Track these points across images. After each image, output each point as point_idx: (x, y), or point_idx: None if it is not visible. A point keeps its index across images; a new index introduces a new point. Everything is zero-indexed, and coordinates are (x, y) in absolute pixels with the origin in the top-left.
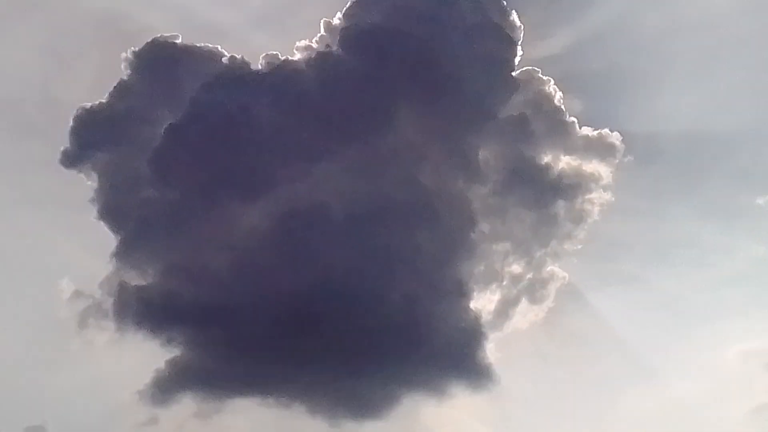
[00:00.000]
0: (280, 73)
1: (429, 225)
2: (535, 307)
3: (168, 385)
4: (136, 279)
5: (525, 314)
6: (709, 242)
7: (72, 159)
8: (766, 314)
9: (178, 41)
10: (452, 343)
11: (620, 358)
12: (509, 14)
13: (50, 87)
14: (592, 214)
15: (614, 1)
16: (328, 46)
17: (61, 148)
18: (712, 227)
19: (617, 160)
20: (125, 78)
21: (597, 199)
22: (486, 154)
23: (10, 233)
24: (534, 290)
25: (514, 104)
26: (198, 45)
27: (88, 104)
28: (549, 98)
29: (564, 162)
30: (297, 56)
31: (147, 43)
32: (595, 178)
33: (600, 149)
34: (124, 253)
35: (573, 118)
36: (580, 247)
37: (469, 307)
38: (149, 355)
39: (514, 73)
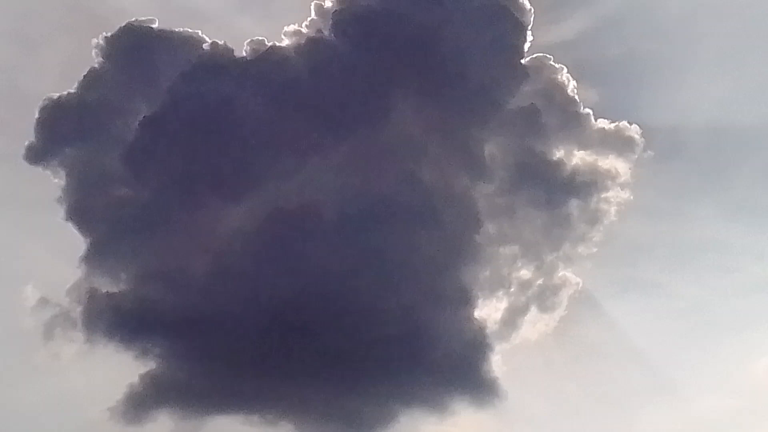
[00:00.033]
0: (266, 60)
1: (429, 226)
2: (546, 316)
3: (142, 402)
4: (107, 285)
5: (534, 324)
6: (737, 245)
7: (37, 154)
8: None
9: (155, 26)
10: (454, 356)
11: (639, 371)
12: None
13: (14, 76)
14: (608, 214)
15: None
16: (319, 31)
17: (26, 143)
18: (740, 229)
19: (636, 156)
20: (96, 66)
21: (614, 198)
22: (492, 148)
23: None
24: (544, 297)
25: (523, 94)
26: (176, 30)
27: (56, 95)
28: (561, 88)
29: (578, 157)
30: (285, 42)
31: (120, 27)
32: (611, 176)
33: (617, 144)
34: (94, 257)
35: (588, 110)
36: (595, 250)
37: (473, 316)
38: (122, 368)
39: (523, 61)
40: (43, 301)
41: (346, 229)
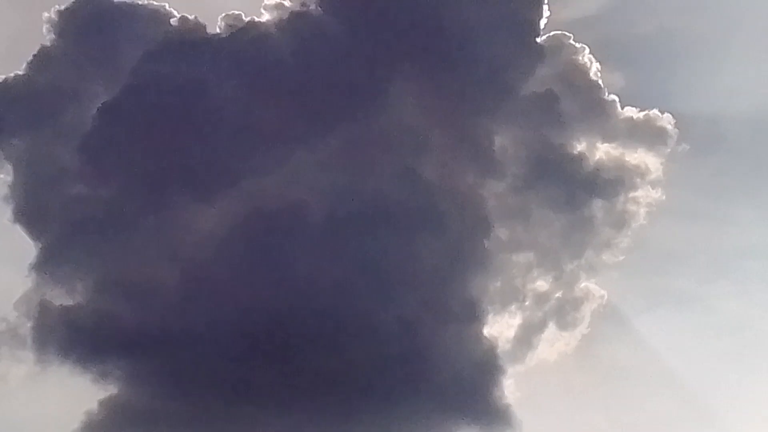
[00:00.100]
0: (243, 38)
1: (432, 230)
2: (566, 333)
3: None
4: (61, 297)
5: (553, 343)
6: None
7: None
8: None
9: None
10: (461, 379)
11: (673, 397)
12: None
13: None
14: (637, 216)
15: None
16: (304, 4)
17: None
18: None
19: (669, 149)
20: (47, 44)
21: (643, 198)
22: (503, 141)
23: None
24: (564, 313)
25: (539, 78)
26: (140, 2)
27: (1, 77)
28: (583, 71)
29: (602, 151)
30: (265, 17)
31: None
32: (641, 172)
33: (647, 135)
34: (46, 264)
35: (613, 96)
36: (622, 258)
37: (482, 333)
38: (78, 393)
39: (539, 39)
40: None
41: (336, 234)
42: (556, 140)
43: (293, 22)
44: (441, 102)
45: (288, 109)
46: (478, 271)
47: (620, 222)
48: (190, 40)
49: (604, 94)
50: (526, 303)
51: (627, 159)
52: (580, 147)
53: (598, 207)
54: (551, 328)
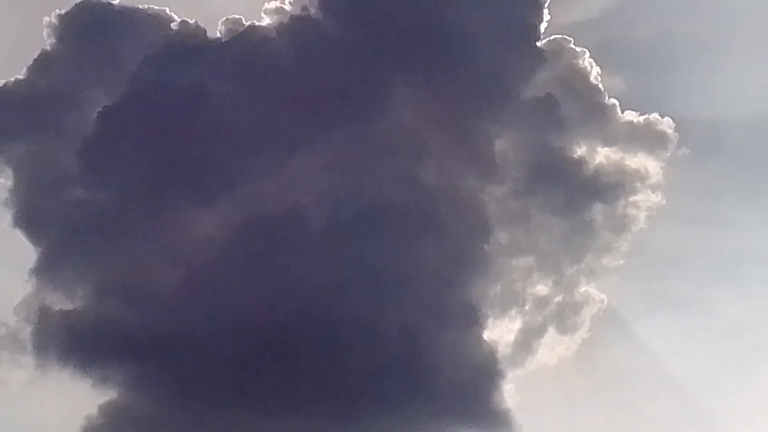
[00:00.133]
0: (243, 42)
1: (432, 234)
2: (566, 338)
3: None
4: (61, 302)
5: (553, 347)
6: None
7: None
8: None
9: (116, 2)
10: (461, 384)
11: (674, 402)
12: None
13: None
14: (637, 220)
15: None
16: (304, 8)
17: None
18: None
19: (669, 153)
20: (48, 48)
21: (643, 202)
22: (504, 145)
23: None
24: (564, 317)
25: (539, 82)
26: (140, 7)
27: (1, 81)
28: (583, 74)
29: (602, 155)
30: (265, 21)
31: (76, 3)
32: (641, 176)
33: (647, 139)
34: (46, 269)
35: (613, 100)
36: (622, 262)
37: (482, 338)
38: (78, 398)
39: (539, 43)
40: None
41: (336, 238)
42: (557, 144)
43: (293, 26)
44: (441, 105)
45: (288, 112)
46: (478, 275)
47: (620, 226)
48: (190, 45)
49: (605, 98)
50: (526, 307)
51: (627, 163)
52: (580, 151)
53: (598, 211)
54: (551, 333)
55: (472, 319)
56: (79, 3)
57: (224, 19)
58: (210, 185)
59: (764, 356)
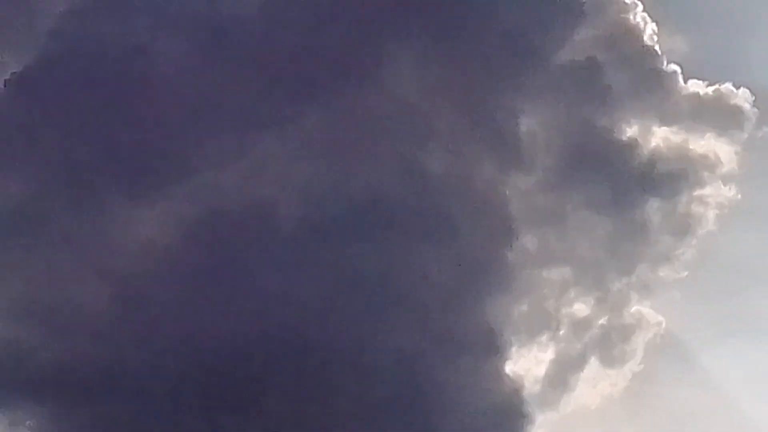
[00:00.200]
0: None
1: (439, 239)
2: (612, 371)
3: None
4: None
5: (595, 383)
6: None
7: None
8: None
9: None
10: (477, 428)
11: None
12: None
13: None
14: (704, 221)
15: None
16: None
17: None
18: None
19: (746, 135)
20: None
21: (713, 197)
22: (531, 123)
23: None
24: (610, 345)
25: (577, 42)
26: None
27: None
28: (635, 33)
29: (660, 137)
30: None
31: None
32: (710, 164)
33: (718, 116)
34: None
35: (674, 66)
36: (685, 274)
37: (503, 371)
38: None
39: None
40: None
41: (313, 242)
42: (600, 123)
43: None
44: (450, 74)
45: (253, 82)
46: (499, 291)
47: (682, 228)
48: None
49: (663, 64)
50: (561, 332)
51: (691, 147)
52: (630, 131)
53: (653, 209)
54: (593, 365)
55: (491, 347)
56: None
57: None
58: (151, 176)
59: None
